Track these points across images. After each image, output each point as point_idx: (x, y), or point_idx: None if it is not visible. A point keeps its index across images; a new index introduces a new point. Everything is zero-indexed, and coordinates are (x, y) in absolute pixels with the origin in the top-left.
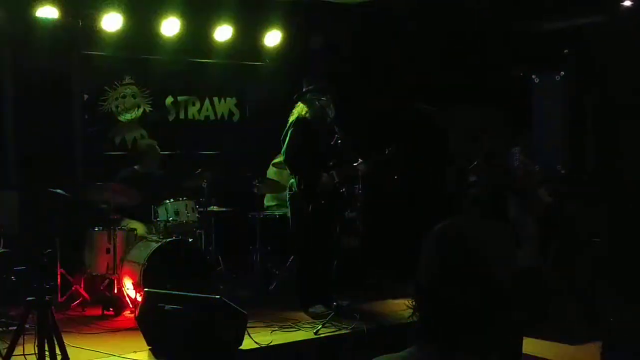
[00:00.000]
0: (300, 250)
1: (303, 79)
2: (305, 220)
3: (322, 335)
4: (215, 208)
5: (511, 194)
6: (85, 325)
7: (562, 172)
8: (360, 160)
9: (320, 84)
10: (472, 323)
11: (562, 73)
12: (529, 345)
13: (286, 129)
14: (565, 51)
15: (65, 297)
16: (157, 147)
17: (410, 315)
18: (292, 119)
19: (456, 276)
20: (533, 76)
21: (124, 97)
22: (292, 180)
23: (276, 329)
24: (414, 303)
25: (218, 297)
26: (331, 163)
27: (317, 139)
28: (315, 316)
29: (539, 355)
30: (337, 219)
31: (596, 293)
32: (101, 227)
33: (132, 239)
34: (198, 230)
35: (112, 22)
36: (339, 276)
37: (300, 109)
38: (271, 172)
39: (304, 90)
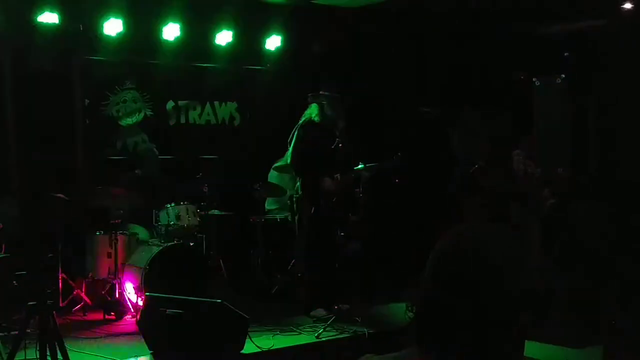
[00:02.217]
0: (303, 253)
1: (321, 83)
2: (309, 223)
3: (323, 339)
4: (216, 212)
5: (513, 196)
6: (87, 329)
7: (565, 174)
8: (361, 164)
9: (336, 92)
10: (481, 329)
11: (563, 76)
12: (530, 348)
13: (294, 130)
14: (566, 54)
15: (66, 301)
16: (154, 150)
17: (411, 319)
18: (301, 120)
19: (468, 284)
20: (534, 79)
21: (125, 101)
22: (299, 183)
23: (278, 332)
24: (415, 308)
25: (219, 301)
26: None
27: (324, 143)
28: (317, 320)
29: (540, 359)
30: (339, 223)
31: (598, 296)
32: (102, 232)
33: (134, 243)
34: (199, 234)
35: (113, 27)
36: (340, 280)
37: (311, 111)
38: (272, 175)
39: (320, 92)
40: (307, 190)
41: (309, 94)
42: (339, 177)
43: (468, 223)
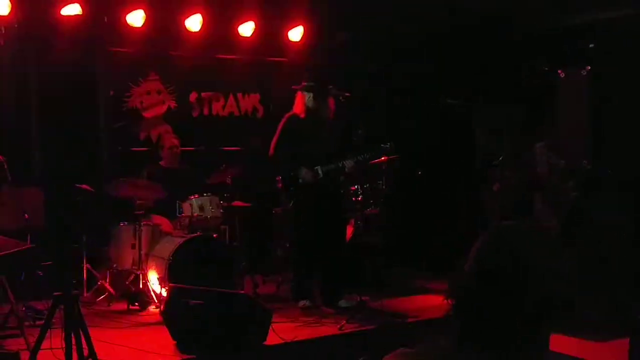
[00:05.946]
0: (291, 243)
1: (305, 72)
2: (290, 215)
3: (346, 331)
4: (239, 204)
5: (536, 189)
6: (111, 319)
7: (588, 167)
8: (385, 145)
9: (320, 81)
10: (512, 325)
11: (588, 68)
12: (554, 341)
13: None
14: (591, 45)
15: (91, 292)
16: (172, 140)
17: (449, 314)
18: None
19: (503, 282)
20: (559, 71)
21: (148, 93)
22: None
23: (300, 324)
24: (453, 302)
25: (242, 292)
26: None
27: (306, 135)
28: (304, 308)
29: (565, 353)
30: (331, 216)
31: (623, 289)
32: (126, 223)
33: (157, 234)
34: (222, 226)
35: (136, 18)
36: (364, 272)
37: (295, 103)
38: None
39: (303, 83)
40: (284, 182)
41: (292, 86)
42: (319, 169)
43: (509, 221)
